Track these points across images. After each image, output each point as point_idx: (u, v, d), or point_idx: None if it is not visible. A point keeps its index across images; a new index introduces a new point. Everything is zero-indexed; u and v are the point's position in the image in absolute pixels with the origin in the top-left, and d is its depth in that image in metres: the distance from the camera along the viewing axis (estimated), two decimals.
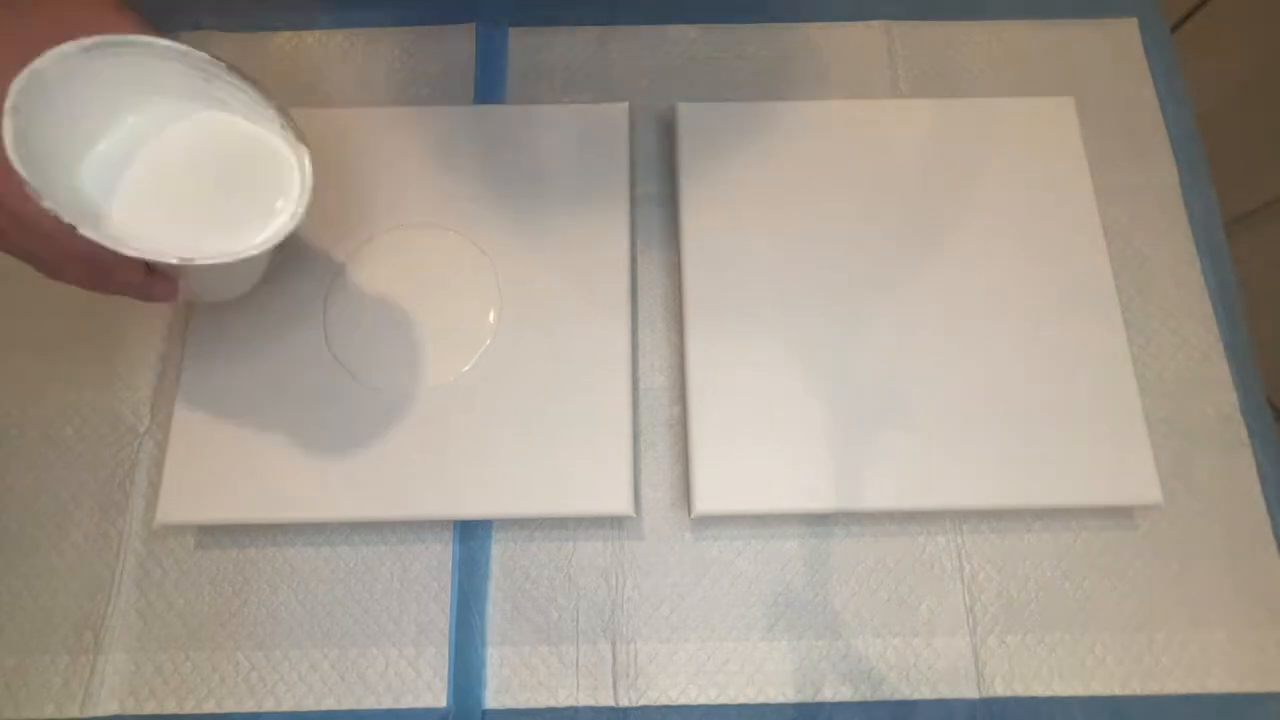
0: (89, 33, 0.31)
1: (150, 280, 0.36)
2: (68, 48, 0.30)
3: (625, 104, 0.49)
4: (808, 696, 0.41)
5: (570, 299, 0.45)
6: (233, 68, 0.34)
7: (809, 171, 0.47)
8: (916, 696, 0.41)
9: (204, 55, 0.33)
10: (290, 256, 0.45)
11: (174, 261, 0.31)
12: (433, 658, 0.41)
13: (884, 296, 0.45)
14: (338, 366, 0.43)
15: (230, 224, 0.34)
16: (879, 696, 0.41)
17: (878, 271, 0.45)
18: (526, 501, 0.41)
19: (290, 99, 0.51)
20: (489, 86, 0.52)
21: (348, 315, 0.44)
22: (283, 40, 0.54)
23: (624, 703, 0.41)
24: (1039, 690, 0.41)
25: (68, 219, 0.29)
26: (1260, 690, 0.41)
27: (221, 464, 0.41)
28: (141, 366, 0.46)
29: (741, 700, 0.41)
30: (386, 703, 0.41)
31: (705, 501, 0.41)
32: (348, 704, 0.41)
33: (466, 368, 0.43)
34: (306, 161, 0.35)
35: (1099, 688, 0.41)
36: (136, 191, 0.34)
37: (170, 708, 0.40)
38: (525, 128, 0.48)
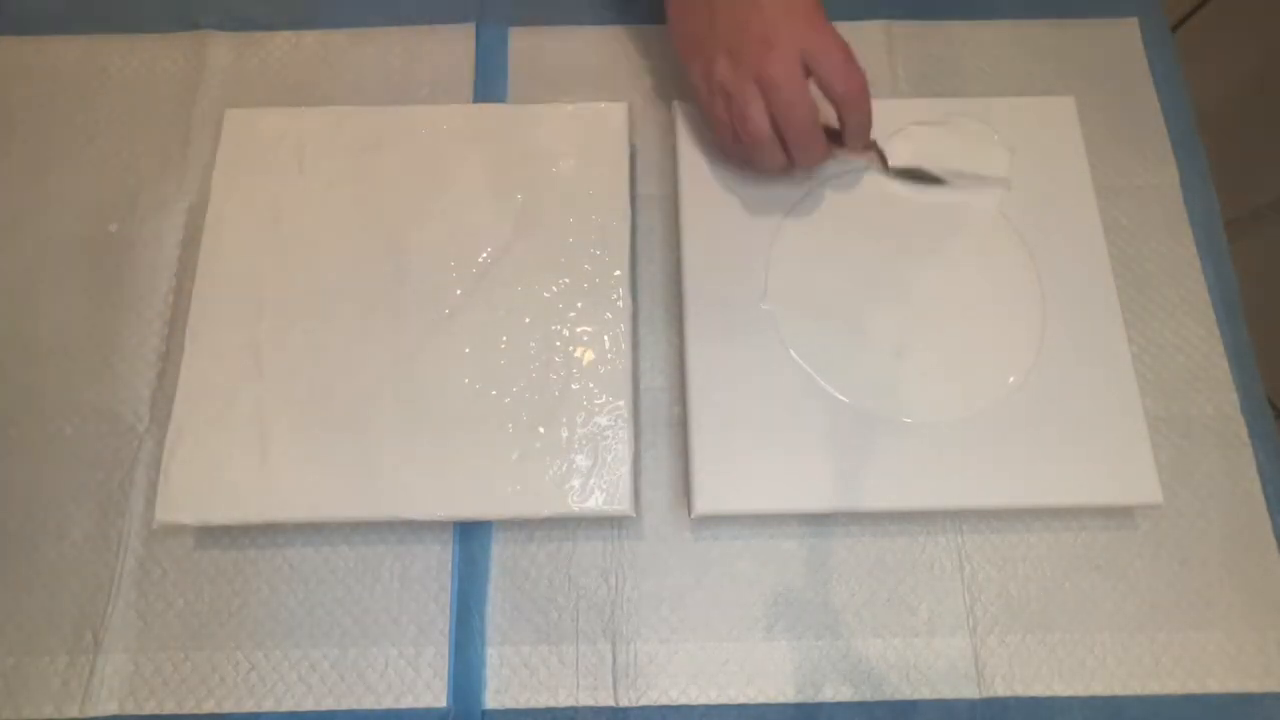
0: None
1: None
2: None
3: (625, 104, 0.49)
4: (808, 696, 0.41)
5: (570, 299, 0.45)
6: None
7: (809, 171, 0.47)
8: (916, 696, 0.41)
9: None
10: (307, 256, 0.45)
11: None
12: (433, 658, 0.41)
13: (884, 295, 0.45)
14: (339, 365, 0.43)
15: None
16: (879, 696, 0.41)
17: (878, 270, 0.45)
18: (526, 501, 0.41)
19: (290, 99, 0.52)
20: (489, 86, 0.53)
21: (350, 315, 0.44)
22: (283, 40, 0.54)
23: (624, 703, 0.41)
24: (1039, 690, 0.41)
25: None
26: (1260, 690, 0.41)
27: (221, 464, 0.41)
28: (141, 366, 0.46)
29: (741, 700, 0.41)
30: (386, 703, 0.41)
31: (705, 501, 0.41)
32: (348, 704, 0.41)
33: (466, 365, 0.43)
34: None
35: (1099, 688, 0.41)
36: None
37: (170, 708, 0.40)
38: (525, 128, 0.48)
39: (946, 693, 0.41)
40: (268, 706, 0.40)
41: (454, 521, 0.43)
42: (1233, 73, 0.79)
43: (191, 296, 0.45)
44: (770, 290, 0.45)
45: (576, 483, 0.41)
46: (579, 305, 0.44)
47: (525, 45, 0.54)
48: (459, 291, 0.45)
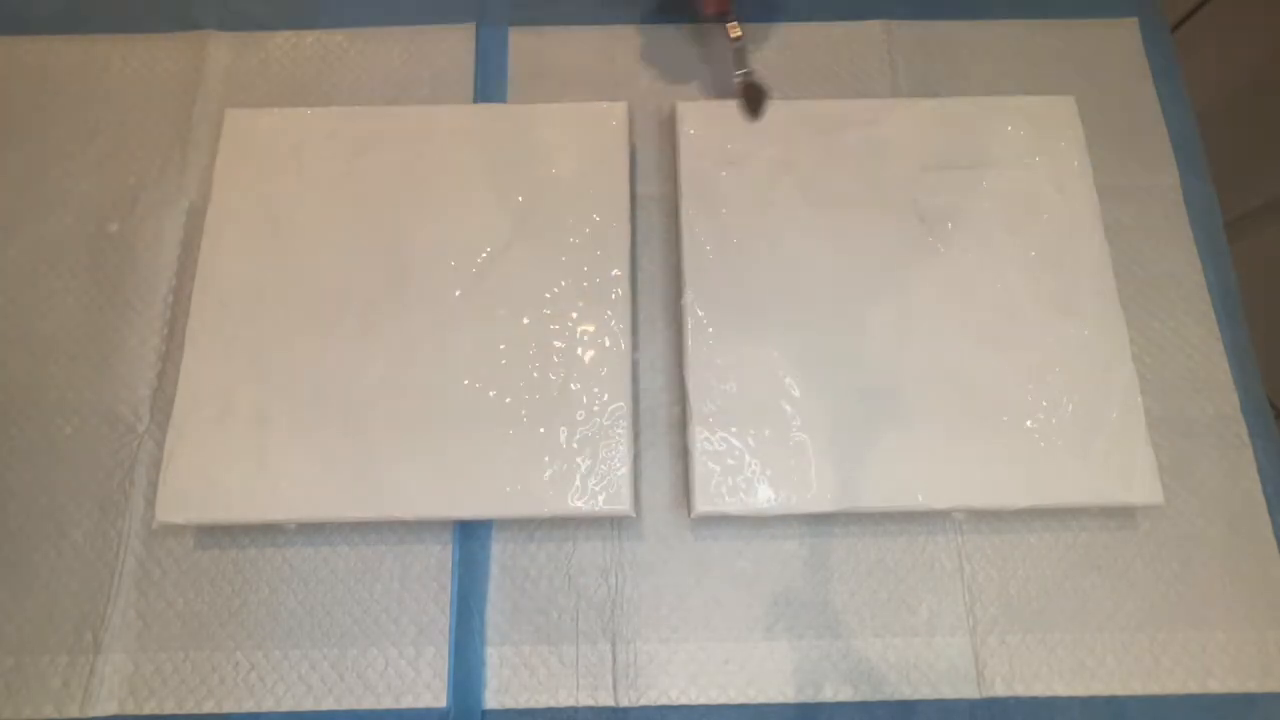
0: None
1: None
2: None
3: (625, 104, 0.49)
4: (808, 696, 0.41)
5: (570, 299, 0.45)
6: None
7: (809, 171, 0.47)
8: (916, 696, 0.41)
9: None
10: (299, 257, 0.45)
11: None
12: (432, 658, 0.41)
13: (884, 295, 0.45)
14: (339, 365, 0.43)
15: None
16: (879, 696, 0.41)
17: (878, 271, 0.45)
18: (526, 501, 0.41)
19: (290, 99, 0.52)
20: (489, 86, 0.53)
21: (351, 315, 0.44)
22: (283, 40, 0.54)
23: (624, 703, 0.41)
24: (1039, 690, 0.41)
25: None
26: (1260, 690, 0.41)
27: (221, 464, 0.41)
28: (141, 366, 0.46)
29: (741, 700, 0.41)
30: (386, 703, 0.41)
31: (705, 501, 0.41)
32: (348, 704, 0.41)
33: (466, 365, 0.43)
34: None
35: (1099, 688, 0.41)
36: None
37: (170, 708, 0.40)
38: (525, 128, 0.48)
39: (946, 693, 0.41)
40: (268, 706, 0.40)
41: (454, 521, 0.43)
42: (1233, 73, 0.79)
43: (191, 296, 0.45)
44: (769, 290, 0.45)
45: (576, 483, 0.41)
46: (579, 305, 0.44)
47: (525, 45, 0.54)
48: (458, 292, 0.45)
